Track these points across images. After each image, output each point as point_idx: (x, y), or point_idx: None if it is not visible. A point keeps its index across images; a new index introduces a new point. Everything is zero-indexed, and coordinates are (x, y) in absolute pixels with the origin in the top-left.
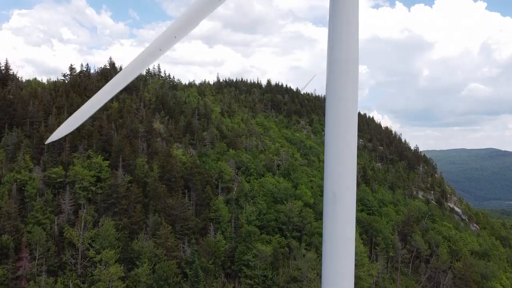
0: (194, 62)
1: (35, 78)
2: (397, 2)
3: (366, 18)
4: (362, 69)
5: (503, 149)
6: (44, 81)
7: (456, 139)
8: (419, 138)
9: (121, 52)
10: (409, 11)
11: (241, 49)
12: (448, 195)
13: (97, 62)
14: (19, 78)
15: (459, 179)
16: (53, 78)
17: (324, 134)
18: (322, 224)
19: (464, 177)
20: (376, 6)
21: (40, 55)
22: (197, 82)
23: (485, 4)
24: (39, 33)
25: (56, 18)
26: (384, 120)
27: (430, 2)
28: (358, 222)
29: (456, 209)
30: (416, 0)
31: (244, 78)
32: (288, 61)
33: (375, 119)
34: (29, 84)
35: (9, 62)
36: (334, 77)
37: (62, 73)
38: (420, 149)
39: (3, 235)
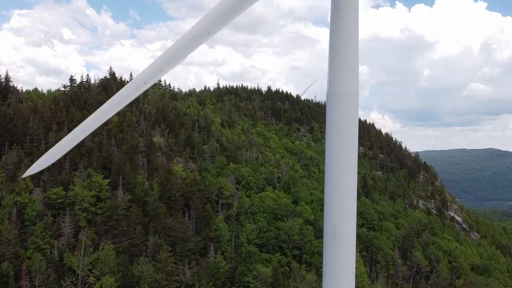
0: (194, 63)
1: (36, 88)
2: (397, 2)
3: (367, 18)
4: (363, 69)
5: (503, 149)
6: (45, 82)
7: (456, 139)
8: (420, 138)
9: (121, 53)
10: (410, 11)
11: (241, 49)
12: (449, 203)
13: (98, 62)
14: (20, 89)
15: (460, 179)
16: (54, 80)
17: (324, 142)
18: (322, 243)
19: (464, 177)
20: (377, 6)
21: (41, 55)
22: (197, 85)
23: (485, 4)
24: (39, 33)
25: (57, 18)
26: (384, 120)
27: (430, 2)
28: (359, 238)
29: (457, 217)
30: (417, 0)
31: (245, 78)
32: (289, 61)
33: (375, 121)
34: (29, 95)
35: (10, 62)
36: (334, 110)
37: (62, 84)
38: (421, 149)
39: (3, 263)
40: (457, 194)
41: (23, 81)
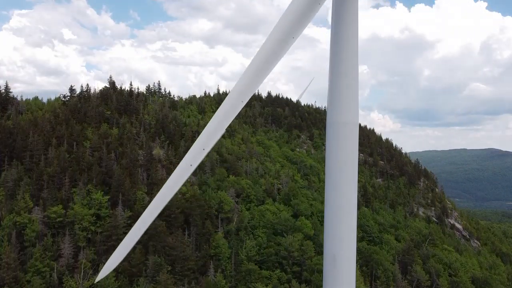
0: (194, 63)
1: (36, 97)
2: (397, 2)
3: (367, 18)
4: (363, 69)
5: (504, 149)
6: (45, 82)
7: (457, 139)
8: (420, 138)
9: (122, 53)
10: (410, 11)
11: (242, 49)
12: (449, 211)
13: (98, 62)
14: (20, 99)
15: (460, 179)
16: (54, 80)
17: (324, 149)
18: (322, 260)
19: (464, 178)
20: (377, 6)
21: (41, 56)
22: (197, 85)
23: (485, 4)
24: (40, 33)
25: (57, 18)
26: (384, 119)
27: (430, 2)
28: (359, 252)
29: (457, 225)
30: (417, 0)
31: None
32: (289, 61)
33: (376, 121)
34: (29, 106)
35: (10, 62)
36: (334, 140)
37: (62, 94)
38: (421, 150)
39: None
40: (457, 195)
41: (23, 81)
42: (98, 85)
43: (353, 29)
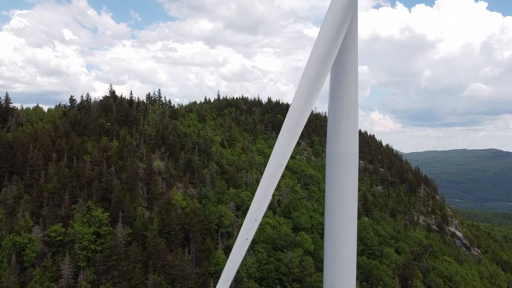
0: (195, 63)
1: (37, 105)
2: (397, 2)
3: (367, 18)
4: (364, 69)
5: (504, 149)
6: (45, 82)
7: (457, 139)
8: (420, 138)
9: (122, 53)
10: (410, 11)
11: (242, 50)
12: (449, 218)
13: (99, 62)
14: (20, 109)
15: (461, 180)
16: (55, 80)
17: (325, 157)
18: (322, 277)
19: (465, 178)
20: (377, 6)
21: (42, 56)
22: (198, 85)
23: (486, 4)
24: (40, 34)
25: (58, 18)
26: (385, 120)
27: (430, 2)
28: (359, 267)
29: (457, 233)
30: (417, 0)
31: (246, 79)
32: (290, 62)
33: (376, 121)
34: (29, 116)
35: (11, 63)
36: (334, 171)
37: (62, 105)
38: (422, 150)
39: None
40: (458, 195)
41: (24, 82)
42: (98, 86)
43: (353, 30)
